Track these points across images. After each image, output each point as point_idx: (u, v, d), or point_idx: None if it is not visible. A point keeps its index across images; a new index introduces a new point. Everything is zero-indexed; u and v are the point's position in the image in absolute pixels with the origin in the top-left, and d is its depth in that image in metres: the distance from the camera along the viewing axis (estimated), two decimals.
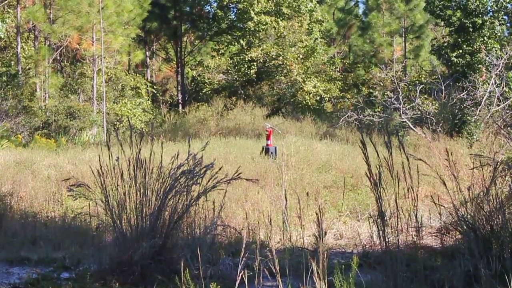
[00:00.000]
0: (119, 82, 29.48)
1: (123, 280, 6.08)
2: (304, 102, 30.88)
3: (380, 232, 5.52)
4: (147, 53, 39.50)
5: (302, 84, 30.90)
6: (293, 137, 19.61)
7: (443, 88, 21.56)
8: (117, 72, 29.59)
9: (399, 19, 37.12)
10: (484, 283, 5.20)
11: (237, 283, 4.62)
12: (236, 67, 32.70)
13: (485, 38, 22.52)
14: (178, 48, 38.16)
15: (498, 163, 6.27)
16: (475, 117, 20.09)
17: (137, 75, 33.37)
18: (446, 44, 23.76)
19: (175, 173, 6.42)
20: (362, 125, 22.67)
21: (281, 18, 32.36)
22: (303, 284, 4.74)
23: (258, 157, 14.77)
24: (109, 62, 28.58)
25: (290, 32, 31.70)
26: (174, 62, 39.70)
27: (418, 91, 22.35)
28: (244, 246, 4.68)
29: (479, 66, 22.33)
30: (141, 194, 6.42)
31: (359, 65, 40.01)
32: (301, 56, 31.98)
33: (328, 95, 31.78)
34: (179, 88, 38.49)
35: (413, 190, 5.77)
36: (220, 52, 35.42)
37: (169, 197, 6.38)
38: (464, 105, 20.57)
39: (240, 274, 4.55)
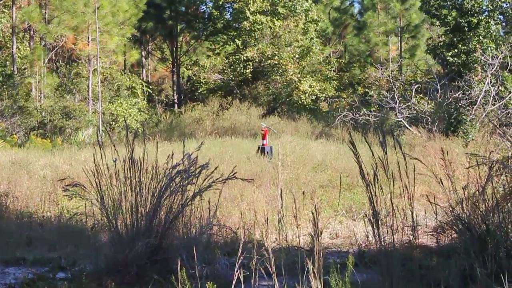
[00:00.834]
0: (114, 82, 29.43)
1: (119, 280, 6.07)
2: (299, 102, 30.87)
3: (375, 231, 5.52)
4: (143, 53, 39.45)
5: (298, 83, 30.90)
6: (289, 136, 19.60)
7: (438, 87, 21.60)
8: (112, 72, 29.54)
9: (395, 18, 37.15)
10: (479, 282, 5.21)
11: (233, 282, 4.62)
12: (232, 67, 32.69)
13: (481, 37, 22.57)
14: (174, 48, 38.13)
15: (494, 162, 6.29)
16: (471, 116, 20.11)
17: (133, 75, 33.29)
18: (441, 43, 23.80)
19: (171, 173, 6.42)
20: (358, 124, 22.69)
21: (276, 18, 32.35)
22: (299, 284, 4.74)
23: (254, 157, 14.76)
24: (105, 62, 28.53)
25: (285, 32, 31.70)
26: (170, 62, 39.67)
27: (413, 91, 22.37)
28: (240, 245, 4.68)
29: (475, 65, 22.37)
30: (137, 194, 6.42)
31: (354, 65, 40.03)
32: (296, 56, 31.98)
33: (323, 95, 31.76)
34: (174, 88, 38.45)
35: (408, 189, 5.77)
36: (216, 51, 35.39)
37: (164, 197, 6.38)
38: (460, 104, 20.60)
39: (236, 274, 4.55)
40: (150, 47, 41.27)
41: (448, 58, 22.77)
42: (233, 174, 6.51)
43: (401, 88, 24.88)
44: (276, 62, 31.13)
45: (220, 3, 34.79)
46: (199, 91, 34.48)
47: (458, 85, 21.09)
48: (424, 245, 7.32)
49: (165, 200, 6.40)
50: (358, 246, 7.75)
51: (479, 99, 20.39)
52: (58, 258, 7.36)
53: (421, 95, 23.79)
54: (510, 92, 21.09)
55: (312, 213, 5.02)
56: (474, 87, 20.67)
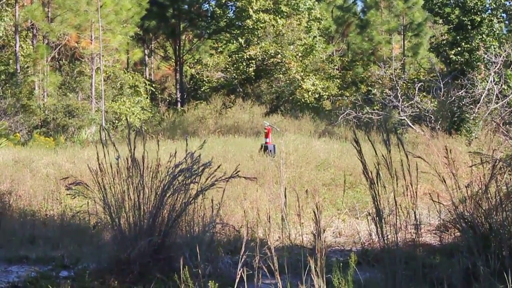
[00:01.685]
0: (117, 81, 29.43)
1: (122, 278, 6.08)
2: (302, 100, 30.86)
3: (379, 230, 5.52)
4: (146, 51, 39.45)
5: (301, 82, 30.89)
6: (292, 135, 19.59)
7: (441, 85, 21.56)
8: (115, 70, 29.54)
9: (398, 17, 37.10)
10: (483, 280, 5.20)
11: (236, 281, 4.62)
12: (235, 65, 32.68)
13: (484, 35, 22.51)
14: (177, 46, 38.12)
15: (497, 161, 6.28)
16: (474, 114, 20.08)
17: (136, 73, 33.31)
18: (444, 42, 23.75)
19: (173, 171, 6.42)
20: (361, 123, 22.66)
21: (279, 16, 32.34)
22: (302, 282, 4.73)
23: (257, 155, 14.76)
24: (108, 60, 28.53)
25: (288, 30, 31.69)
26: (173, 61, 39.65)
27: (416, 89, 22.34)
28: (243, 244, 4.67)
29: (478, 63, 22.31)
30: (139, 193, 6.42)
31: (357, 63, 39.97)
32: (299, 54, 31.97)
33: (326, 93, 31.76)
34: (177, 86, 38.44)
35: (411, 188, 5.77)
36: (219, 50, 35.39)
37: (167, 196, 6.38)
38: (463, 102, 20.56)
39: (239, 272, 4.55)
40: (153, 45, 41.28)
41: (451, 56, 22.73)
42: (236, 173, 6.50)
43: (404, 86, 24.86)
44: (279, 61, 31.13)
45: (223, 1, 34.81)
46: (202, 89, 34.48)
47: (461, 84, 21.05)
48: (427, 244, 7.32)
49: (168, 198, 6.39)
50: (361, 245, 7.75)
51: (482, 98, 20.35)
52: (61, 256, 7.36)
53: (424, 94, 23.76)
54: None
55: (314, 211, 5.02)
56: (477, 86, 20.62)
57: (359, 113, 22.53)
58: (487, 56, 21.53)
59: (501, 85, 20.73)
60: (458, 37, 22.80)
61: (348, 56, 41.71)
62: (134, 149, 6.45)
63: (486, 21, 22.54)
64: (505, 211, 5.88)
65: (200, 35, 38.87)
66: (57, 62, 29.98)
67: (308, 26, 33.39)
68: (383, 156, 5.58)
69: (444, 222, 7.55)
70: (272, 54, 31.24)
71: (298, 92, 31.04)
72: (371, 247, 7.33)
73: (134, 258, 6.10)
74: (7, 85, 25.60)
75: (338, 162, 14.26)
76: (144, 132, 21.47)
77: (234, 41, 33.73)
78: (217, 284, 4.63)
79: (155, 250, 6.21)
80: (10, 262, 7.33)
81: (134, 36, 32.02)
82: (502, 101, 20.32)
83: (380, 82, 30.24)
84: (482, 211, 5.99)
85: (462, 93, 20.68)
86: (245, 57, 31.83)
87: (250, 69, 31.77)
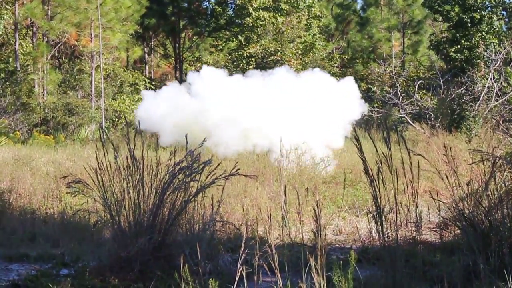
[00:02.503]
0: (117, 79, 29.42)
1: (122, 276, 6.08)
2: None
3: (379, 227, 5.52)
4: (146, 49, 39.39)
5: None
6: None
7: (441, 83, 21.55)
8: (115, 68, 29.53)
9: (398, 14, 37.09)
10: (483, 278, 5.20)
11: (237, 279, 4.62)
12: (235, 63, 32.62)
13: (484, 33, 22.52)
14: (177, 44, 38.08)
15: (497, 158, 6.27)
16: (474, 112, 20.06)
17: (136, 71, 33.30)
18: (444, 39, 23.75)
19: (174, 169, 6.41)
20: (361, 120, 22.64)
21: (279, 14, 32.28)
22: (302, 280, 4.73)
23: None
24: (108, 58, 28.54)
25: (288, 28, 31.65)
26: (173, 58, 39.60)
27: (416, 87, 22.35)
28: (243, 242, 4.67)
29: (478, 61, 22.32)
30: (139, 191, 6.42)
31: (357, 61, 39.95)
32: (299, 52, 31.93)
33: None
34: None
35: (412, 185, 5.77)
36: (219, 48, 35.35)
37: (167, 194, 6.38)
38: (463, 100, 20.55)
39: (239, 270, 4.55)
40: (153, 43, 41.21)
41: (451, 54, 22.73)
42: (236, 171, 6.50)
43: (404, 84, 24.86)
44: (279, 58, 31.08)
45: None
46: None
47: (461, 81, 21.03)
48: (427, 241, 7.32)
49: (168, 196, 6.39)
50: (361, 242, 7.75)
51: (482, 95, 20.34)
52: (61, 254, 7.37)
53: (424, 91, 23.76)
54: None
55: (314, 209, 5.02)
56: (477, 83, 20.61)
57: None
58: (487, 53, 21.53)
59: (501, 82, 20.72)
60: (458, 35, 22.81)
61: (348, 53, 41.67)
62: (134, 148, 6.45)
63: (486, 18, 22.54)
64: (505, 208, 5.88)
65: (200, 33, 38.81)
66: (57, 60, 29.97)
67: (308, 24, 33.34)
68: (383, 153, 5.58)
69: (444, 219, 7.55)
70: (272, 52, 31.20)
71: None
72: (372, 244, 7.33)
73: (134, 256, 6.09)
74: (7, 83, 25.58)
75: (338, 159, 14.26)
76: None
77: (234, 39, 33.67)
78: (217, 282, 4.62)
79: (155, 248, 6.21)
80: (10, 260, 7.33)
81: (134, 34, 32.02)
82: (502, 98, 20.31)
83: (380, 79, 30.22)
84: (482, 208, 5.98)
85: (462, 91, 20.68)
86: (245, 55, 31.79)
87: (250, 66, 31.67)
